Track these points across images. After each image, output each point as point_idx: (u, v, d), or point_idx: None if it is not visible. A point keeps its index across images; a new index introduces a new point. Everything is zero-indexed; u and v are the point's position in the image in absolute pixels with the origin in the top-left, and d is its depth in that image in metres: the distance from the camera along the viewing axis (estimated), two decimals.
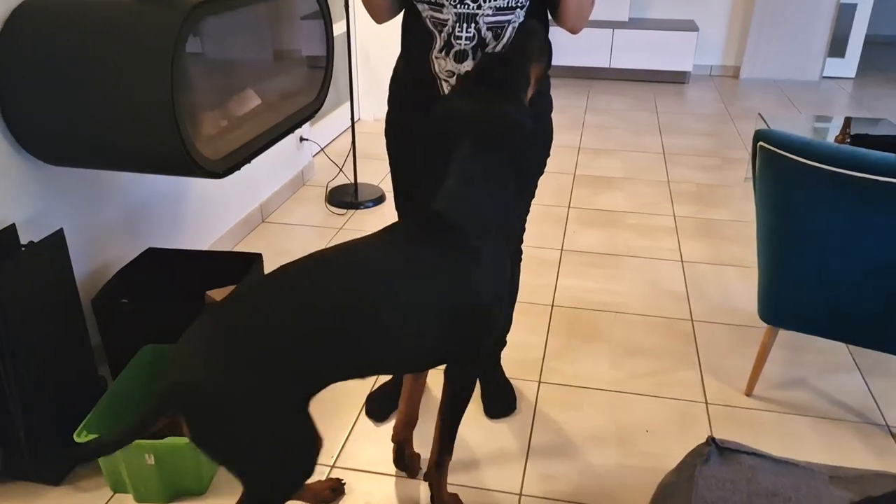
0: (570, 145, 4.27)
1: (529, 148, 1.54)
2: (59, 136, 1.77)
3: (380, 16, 1.68)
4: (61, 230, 1.74)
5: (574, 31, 1.65)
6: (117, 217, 2.25)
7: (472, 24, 1.52)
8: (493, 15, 1.51)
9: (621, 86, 5.69)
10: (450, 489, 1.72)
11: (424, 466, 1.75)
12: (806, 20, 5.62)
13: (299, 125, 2.35)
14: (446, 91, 1.62)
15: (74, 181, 2.04)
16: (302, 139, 3.62)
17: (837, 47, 5.75)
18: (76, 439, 1.64)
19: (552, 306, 2.59)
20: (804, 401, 2.11)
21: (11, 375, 1.64)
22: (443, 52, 1.57)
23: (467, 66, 1.57)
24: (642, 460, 1.89)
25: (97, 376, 1.92)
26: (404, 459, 1.81)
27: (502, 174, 1.46)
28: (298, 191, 3.57)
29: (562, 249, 3.02)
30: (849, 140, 2.91)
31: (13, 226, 1.72)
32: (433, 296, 1.35)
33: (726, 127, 4.66)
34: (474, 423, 2.01)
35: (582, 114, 4.93)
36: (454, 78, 1.59)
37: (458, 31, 1.53)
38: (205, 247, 2.78)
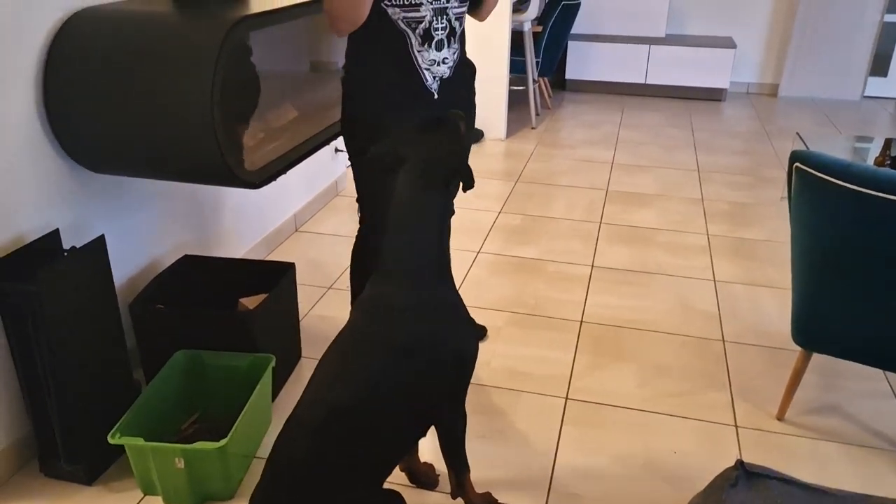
0: (604, 161, 4.25)
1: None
2: (104, 146, 1.83)
3: (356, 21, 1.74)
4: (102, 236, 1.79)
5: (482, 20, 2.05)
6: (155, 224, 2.30)
7: (444, 16, 1.81)
8: (458, 7, 1.84)
9: (656, 102, 5.66)
10: None
11: (437, 471, 1.75)
12: (847, 38, 5.54)
13: (335, 137, 2.38)
14: (428, 78, 1.86)
15: (116, 188, 2.10)
16: (337, 150, 3.66)
17: (880, 66, 5.65)
18: (110, 441, 1.68)
19: (581, 322, 2.58)
20: (837, 427, 2.07)
21: (50, 376, 1.69)
22: (424, 45, 1.82)
23: (445, 53, 1.87)
24: (669, 482, 1.87)
25: (132, 380, 1.96)
26: (420, 478, 1.82)
27: (438, 213, 1.45)
28: (332, 201, 3.61)
29: (592, 266, 3.00)
30: (889, 162, 2.85)
31: (56, 231, 1.77)
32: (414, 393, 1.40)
33: (763, 145, 4.61)
34: (499, 438, 2.01)
35: (616, 129, 4.92)
36: (435, 66, 1.85)
37: (436, 24, 1.81)
38: (239, 255, 2.83)
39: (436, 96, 1.91)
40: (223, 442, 1.68)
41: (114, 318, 1.86)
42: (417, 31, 1.79)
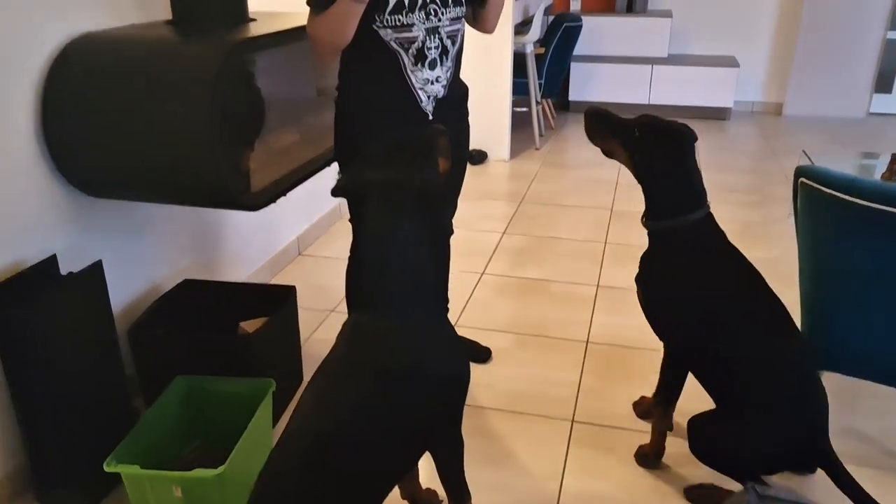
0: (608, 181, 4.24)
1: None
2: (103, 171, 1.82)
3: (339, 46, 1.75)
4: (100, 262, 1.78)
5: (490, 32, 2.03)
6: (156, 249, 2.29)
7: (437, 35, 1.81)
8: (450, 25, 1.82)
9: None
10: None
11: (440, 497, 1.70)
12: (851, 55, 5.53)
13: (334, 160, 2.37)
14: (423, 98, 1.85)
15: (115, 213, 2.09)
16: (339, 173, 3.66)
17: (884, 83, 5.63)
18: (105, 468, 1.65)
19: (587, 343, 2.54)
20: (855, 449, 2.01)
21: (46, 403, 1.67)
22: (418, 65, 1.81)
23: (439, 72, 1.85)
24: None
25: (131, 406, 1.93)
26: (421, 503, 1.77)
27: (415, 234, 1.41)
28: (335, 225, 3.60)
29: (598, 286, 2.97)
30: None
31: (54, 256, 1.76)
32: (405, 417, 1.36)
33: (768, 164, 4.58)
34: (503, 463, 1.97)
35: None
36: (429, 85, 1.85)
37: (429, 43, 1.80)
38: (241, 279, 2.81)
39: (430, 117, 1.90)
40: (221, 469, 1.64)
41: (111, 344, 1.84)
42: (410, 50, 1.78)
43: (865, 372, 1.86)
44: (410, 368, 1.35)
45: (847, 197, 1.65)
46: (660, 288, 1.82)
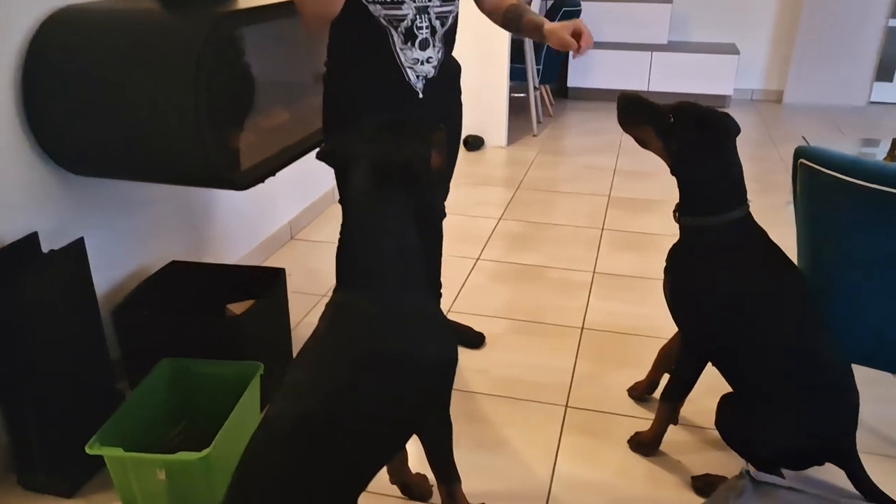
0: (606, 167, 4.19)
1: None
2: (85, 147, 1.78)
3: (326, 17, 1.69)
4: (81, 239, 1.73)
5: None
6: (143, 229, 2.25)
7: (426, 15, 1.77)
8: (441, 6, 1.79)
9: None
10: None
11: (430, 481, 1.67)
12: (852, 44, 5.47)
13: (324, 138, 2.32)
14: (412, 77, 1.81)
15: (101, 192, 2.04)
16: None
17: (885, 71, 5.58)
18: (87, 451, 1.61)
19: (582, 329, 2.51)
20: None
21: (27, 385, 1.63)
22: (407, 44, 1.78)
23: (430, 53, 1.82)
24: (674, 493, 1.79)
25: (115, 388, 1.90)
26: (412, 490, 1.74)
27: (400, 213, 1.37)
28: (328, 209, 3.56)
29: (593, 272, 2.93)
30: None
31: (35, 234, 1.72)
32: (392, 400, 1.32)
33: (767, 151, 4.54)
34: (496, 448, 1.93)
35: (618, 136, 4.85)
36: (418, 65, 1.81)
37: (419, 23, 1.76)
38: (232, 262, 2.77)
39: (420, 95, 1.86)
40: (206, 452, 1.61)
41: (95, 325, 1.80)
42: (399, 28, 1.75)
43: (864, 359, 1.82)
44: (395, 351, 1.31)
45: (848, 178, 1.61)
46: (694, 284, 1.73)
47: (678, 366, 1.83)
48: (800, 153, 1.74)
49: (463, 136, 4.61)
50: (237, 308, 2.06)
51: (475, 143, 4.52)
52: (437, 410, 1.44)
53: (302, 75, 2.50)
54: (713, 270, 1.70)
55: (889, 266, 1.67)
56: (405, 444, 1.49)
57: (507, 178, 4.07)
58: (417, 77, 1.84)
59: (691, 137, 1.65)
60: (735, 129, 1.68)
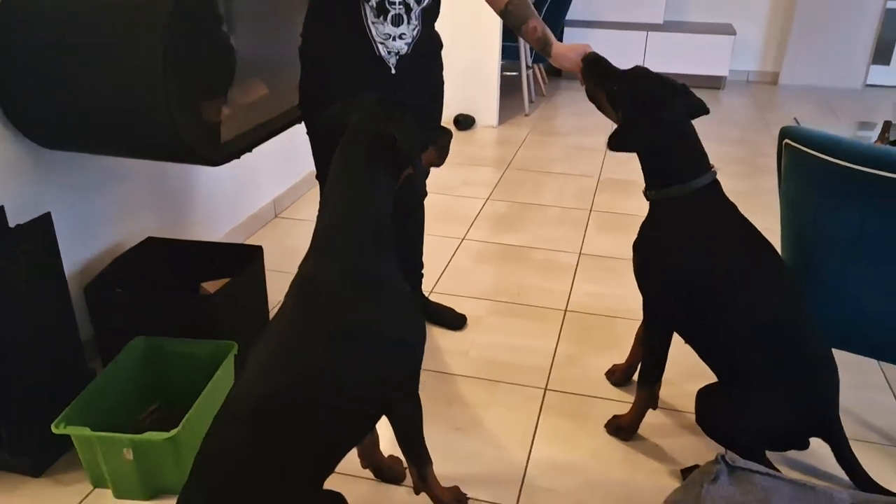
0: (597, 148, 4.14)
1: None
2: (52, 119, 1.73)
3: None
4: (48, 213, 1.69)
5: None
6: (119, 205, 2.21)
7: None
8: None
9: None
10: None
11: (403, 464, 1.65)
12: (849, 25, 5.40)
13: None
14: (383, 52, 1.78)
15: (74, 166, 2.00)
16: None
17: (883, 54, 5.51)
18: (53, 430, 1.59)
19: (565, 311, 2.48)
20: None
21: None
22: (380, 18, 1.73)
23: (403, 29, 1.78)
24: (650, 477, 1.77)
25: (85, 366, 1.87)
26: (385, 473, 1.72)
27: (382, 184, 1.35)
28: (314, 187, 3.51)
29: (580, 254, 2.90)
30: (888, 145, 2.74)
31: (1, 208, 1.67)
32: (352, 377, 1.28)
33: (761, 134, 4.49)
34: (473, 430, 1.91)
35: None
36: (390, 40, 1.76)
37: None
38: (214, 239, 2.73)
39: (393, 70, 1.82)
40: (174, 432, 1.59)
41: (63, 301, 1.76)
42: (370, 2, 1.71)
43: (844, 342, 1.80)
44: (362, 327, 1.28)
45: (832, 159, 1.58)
46: (656, 254, 1.70)
47: (648, 350, 1.81)
48: (785, 133, 1.71)
49: (453, 114, 4.58)
50: (211, 286, 2.03)
51: (465, 123, 4.46)
52: (405, 390, 1.41)
53: (284, 48, 2.44)
54: (677, 241, 1.67)
55: (872, 249, 1.64)
56: (373, 426, 1.46)
57: (496, 157, 4.02)
58: (389, 53, 1.80)
59: (638, 104, 1.62)
60: (684, 102, 1.63)
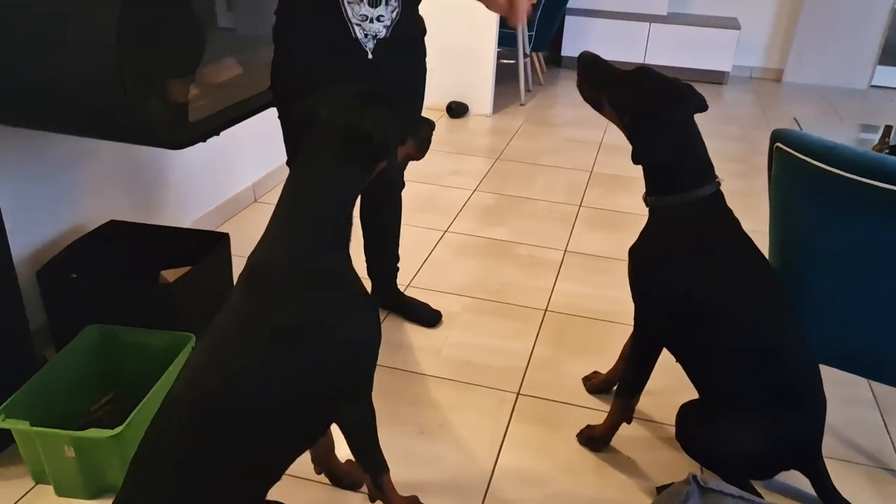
0: (591, 141, 4.04)
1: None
2: (3, 94, 1.63)
3: None
4: None
5: None
6: (83, 185, 2.11)
7: None
8: None
9: None
10: None
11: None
12: (857, 24, 5.28)
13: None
14: (359, 35, 1.68)
15: (34, 145, 1.90)
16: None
17: (890, 55, 5.39)
18: None
19: (545, 311, 2.39)
20: None
21: None
22: None
23: (381, 10, 1.67)
24: (621, 493, 1.69)
25: (33, 355, 1.78)
26: (341, 480, 1.64)
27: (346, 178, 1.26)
28: None
29: (565, 251, 2.81)
30: (887, 150, 2.65)
31: None
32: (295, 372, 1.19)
33: (760, 132, 4.38)
34: (438, 435, 1.83)
35: None
36: (367, 22, 1.67)
37: None
38: (188, 224, 2.64)
39: (370, 56, 1.72)
40: (118, 430, 1.50)
41: (9, 286, 1.67)
42: None
43: (833, 360, 1.71)
44: (309, 327, 1.19)
45: (825, 166, 1.48)
46: (657, 268, 1.60)
47: (632, 360, 1.71)
48: (776, 136, 1.61)
49: (446, 101, 4.47)
50: (171, 275, 1.94)
51: (458, 110, 4.35)
52: (355, 394, 1.33)
53: (261, 25, 2.34)
54: (673, 254, 1.57)
55: (863, 263, 1.55)
56: (322, 432, 1.37)
57: (487, 147, 3.92)
58: (366, 35, 1.70)
59: (643, 109, 1.51)
60: (693, 104, 1.53)
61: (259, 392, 1.17)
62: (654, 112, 1.50)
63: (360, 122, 1.22)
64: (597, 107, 1.62)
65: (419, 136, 1.39)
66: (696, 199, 1.53)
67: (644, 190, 1.62)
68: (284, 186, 1.26)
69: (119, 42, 1.48)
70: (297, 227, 1.22)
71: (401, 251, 2.30)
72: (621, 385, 1.74)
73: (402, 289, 2.39)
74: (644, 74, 1.54)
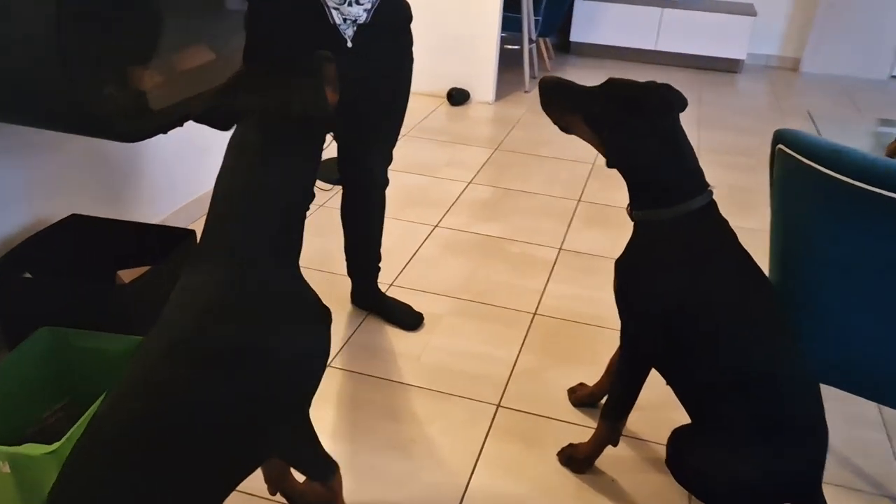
0: None
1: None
2: None
3: None
4: None
5: None
6: (44, 177, 2.00)
7: None
8: None
9: (665, 71, 5.23)
10: None
11: None
12: (878, 13, 5.06)
13: None
14: (338, 20, 1.58)
15: None
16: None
17: None
18: None
19: (534, 314, 2.26)
20: None
21: None
22: None
23: None
24: None
25: None
26: (296, 500, 1.52)
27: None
28: None
29: (560, 249, 2.67)
30: None
31: None
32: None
33: (773, 124, 4.20)
34: (410, 451, 1.71)
35: None
36: (345, 6, 1.57)
37: None
38: (158, 220, 2.53)
39: (349, 44, 1.59)
40: (55, 446, 1.40)
41: None
42: None
43: (834, 379, 1.57)
44: (243, 348, 1.07)
45: (829, 171, 1.34)
46: (644, 285, 1.48)
47: (617, 368, 1.59)
48: (778, 138, 1.47)
49: (447, 88, 4.32)
50: (127, 276, 1.83)
51: (459, 97, 4.20)
52: (292, 421, 1.21)
53: (235, 7, 2.22)
54: (662, 272, 1.44)
55: (870, 277, 1.41)
56: (260, 462, 1.26)
57: (487, 137, 3.78)
58: (345, 20, 1.58)
59: (623, 120, 1.38)
60: (675, 105, 1.40)
61: (185, 418, 1.06)
62: (637, 121, 1.38)
63: (274, 100, 1.12)
64: (567, 129, 1.50)
65: (329, 81, 1.26)
66: (686, 213, 1.40)
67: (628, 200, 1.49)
68: (216, 183, 1.16)
69: (60, 19, 1.36)
70: (233, 237, 1.11)
71: (386, 247, 2.18)
72: (608, 406, 1.61)
73: (384, 287, 2.28)
74: (617, 85, 1.42)
